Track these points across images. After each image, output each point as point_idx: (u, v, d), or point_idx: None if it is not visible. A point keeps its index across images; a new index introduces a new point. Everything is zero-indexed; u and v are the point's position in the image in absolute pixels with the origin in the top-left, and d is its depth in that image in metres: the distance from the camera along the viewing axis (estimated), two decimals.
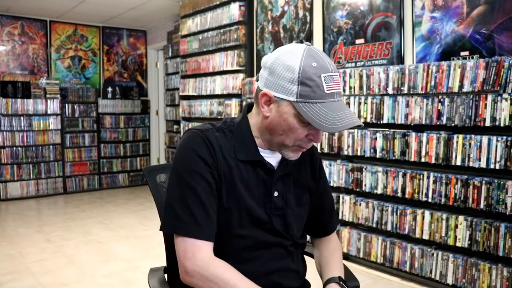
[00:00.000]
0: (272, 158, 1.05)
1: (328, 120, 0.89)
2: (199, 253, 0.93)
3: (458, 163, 2.41)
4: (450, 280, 2.46)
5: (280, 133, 0.96)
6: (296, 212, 1.09)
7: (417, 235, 2.61)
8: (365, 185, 2.91)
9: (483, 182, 2.31)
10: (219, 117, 4.27)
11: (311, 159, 1.15)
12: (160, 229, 0.99)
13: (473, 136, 2.35)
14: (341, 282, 1.06)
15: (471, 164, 2.36)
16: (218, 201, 0.98)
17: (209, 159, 0.96)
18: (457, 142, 2.42)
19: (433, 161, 2.53)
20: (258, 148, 1.03)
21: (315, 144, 1.05)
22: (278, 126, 0.95)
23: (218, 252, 0.99)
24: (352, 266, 2.88)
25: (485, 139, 2.30)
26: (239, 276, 0.93)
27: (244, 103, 3.98)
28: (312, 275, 1.25)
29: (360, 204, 2.94)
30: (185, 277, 0.94)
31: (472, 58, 2.48)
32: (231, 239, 1.00)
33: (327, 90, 0.90)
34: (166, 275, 1.25)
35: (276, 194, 1.03)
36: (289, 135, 0.96)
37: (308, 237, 1.22)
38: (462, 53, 2.53)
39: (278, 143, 0.98)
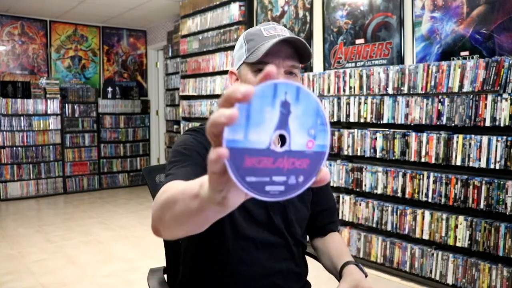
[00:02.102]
0: None
1: (265, 46, 0.93)
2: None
3: (458, 163, 2.41)
4: (450, 280, 2.46)
5: None
6: (299, 208, 1.09)
7: (417, 235, 2.61)
8: (365, 185, 2.91)
9: (483, 182, 2.31)
10: None
11: None
12: None
13: (473, 136, 2.35)
14: (359, 265, 1.05)
15: (471, 164, 2.36)
16: None
17: (207, 145, 0.97)
18: (457, 142, 2.42)
19: (433, 161, 2.53)
20: None
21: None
22: None
23: (222, 252, 0.99)
24: None
25: (485, 139, 2.30)
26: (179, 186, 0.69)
27: None
28: (312, 274, 1.25)
29: (360, 204, 2.94)
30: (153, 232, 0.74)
31: (472, 58, 2.47)
32: (233, 240, 1.00)
33: (267, 34, 0.97)
34: (165, 276, 1.26)
35: None
36: None
37: (307, 237, 1.22)
38: (462, 53, 2.53)
39: None
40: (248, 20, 4.08)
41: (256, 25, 4.00)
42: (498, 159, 2.25)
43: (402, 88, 2.69)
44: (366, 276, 1.02)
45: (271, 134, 0.41)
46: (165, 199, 0.62)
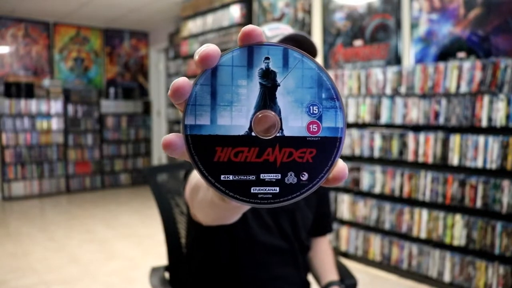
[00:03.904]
0: None
1: None
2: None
3: (455, 163, 2.45)
4: (447, 278, 2.50)
5: None
6: (306, 213, 1.10)
7: (415, 234, 2.65)
8: (363, 185, 2.94)
9: (480, 181, 2.34)
10: None
11: None
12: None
13: (469, 136, 2.39)
14: (342, 285, 1.08)
15: (467, 164, 2.39)
16: None
17: None
18: (454, 142, 2.45)
19: (430, 161, 2.56)
20: None
21: None
22: None
23: (231, 254, 1.00)
24: (350, 264, 2.92)
25: (481, 139, 2.33)
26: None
27: None
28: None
29: (358, 203, 2.98)
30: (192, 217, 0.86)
31: (469, 59, 2.51)
32: (245, 243, 1.00)
33: (271, 34, 0.98)
34: (167, 274, 1.28)
35: None
36: None
37: None
38: (459, 55, 2.57)
39: None
40: (248, 22, 4.12)
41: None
42: (494, 159, 2.28)
43: (399, 89, 2.73)
44: None
45: (250, 116, 0.30)
46: (194, 183, 0.62)
